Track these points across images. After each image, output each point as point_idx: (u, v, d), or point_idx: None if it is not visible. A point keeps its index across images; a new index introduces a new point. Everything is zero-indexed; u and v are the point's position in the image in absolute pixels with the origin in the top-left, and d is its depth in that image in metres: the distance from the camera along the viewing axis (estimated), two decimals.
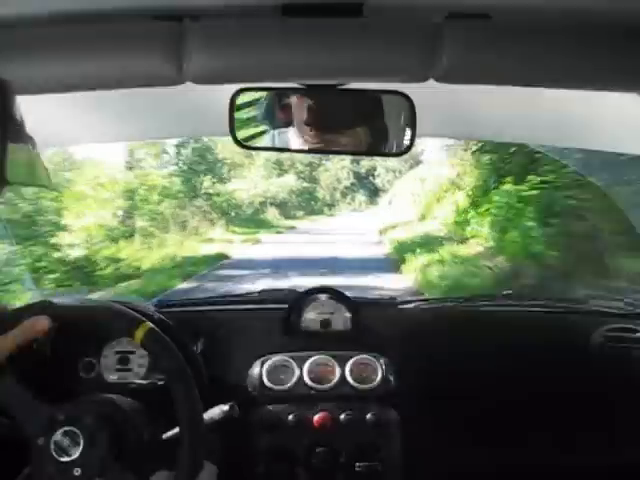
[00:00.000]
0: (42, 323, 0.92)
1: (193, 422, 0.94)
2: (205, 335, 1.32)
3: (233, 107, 0.85)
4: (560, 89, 0.78)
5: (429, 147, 24.10)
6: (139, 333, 0.96)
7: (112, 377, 1.29)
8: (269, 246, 14.47)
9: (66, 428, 0.93)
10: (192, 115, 1.26)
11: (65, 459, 0.91)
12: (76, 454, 0.92)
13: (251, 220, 22.33)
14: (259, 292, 1.61)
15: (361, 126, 0.85)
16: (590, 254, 6.62)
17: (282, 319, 1.40)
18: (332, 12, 0.70)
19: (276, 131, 0.89)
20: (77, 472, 0.92)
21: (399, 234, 14.69)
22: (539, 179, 7.81)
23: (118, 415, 0.99)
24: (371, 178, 38.21)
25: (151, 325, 0.97)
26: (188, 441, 0.93)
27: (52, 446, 0.92)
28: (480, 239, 9.87)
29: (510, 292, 1.68)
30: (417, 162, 27.69)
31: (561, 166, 6.34)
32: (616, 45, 0.71)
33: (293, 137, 0.87)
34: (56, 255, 9.14)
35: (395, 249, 12.49)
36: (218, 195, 20.84)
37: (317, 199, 34.38)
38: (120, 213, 12.70)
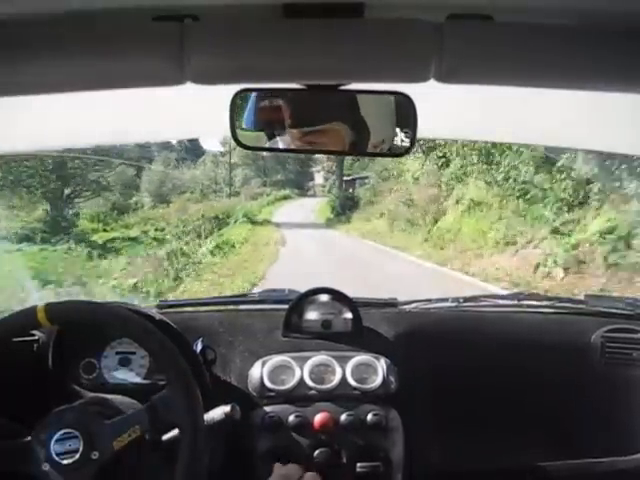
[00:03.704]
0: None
1: (193, 423, 0.94)
2: (206, 335, 1.32)
3: (234, 107, 0.85)
4: (560, 89, 0.78)
5: None
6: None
7: (113, 377, 1.29)
8: None
9: (66, 430, 0.93)
10: (193, 116, 1.26)
11: (65, 461, 0.91)
12: (76, 455, 0.91)
13: None
14: (260, 292, 1.62)
15: (361, 126, 0.85)
16: None
17: (283, 319, 1.40)
18: (333, 12, 0.70)
19: (276, 132, 0.89)
20: (77, 473, 0.92)
21: None
22: None
23: (118, 415, 0.99)
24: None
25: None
26: (188, 442, 0.93)
27: (52, 447, 0.92)
28: None
29: (511, 293, 1.68)
30: None
31: None
32: (616, 45, 0.71)
33: (293, 138, 0.87)
34: None
35: None
36: None
37: None
38: None
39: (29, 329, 1.14)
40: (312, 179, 31.76)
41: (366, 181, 21.27)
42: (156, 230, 16.26)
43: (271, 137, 0.88)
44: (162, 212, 19.20)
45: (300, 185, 31.77)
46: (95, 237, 15.95)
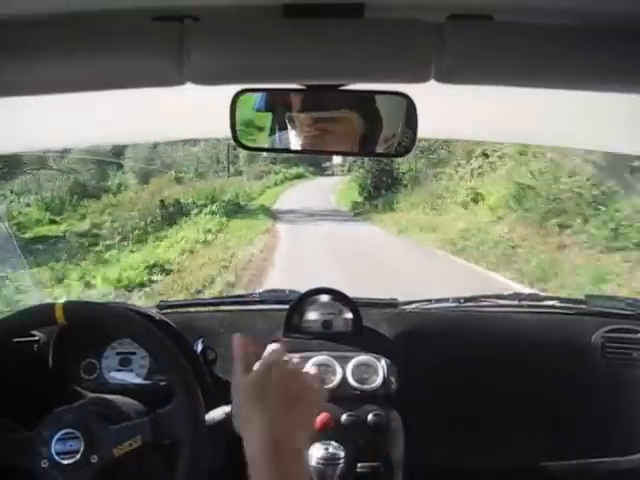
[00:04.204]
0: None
1: (194, 424, 0.94)
2: (206, 336, 1.32)
3: (234, 108, 0.85)
4: (560, 89, 0.78)
5: None
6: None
7: (113, 378, 1.29)
8: None
9: (67, 430, 0.93)
10: (193, 116, 1.26)
11: (65, 460, 0.91)
12: (77, 456, 0.91)
13: None
14: (260, 293, 1.62)
15: (375, 117, 0.85)
16: None
17: (283, 320, 1.40)
18: (333, 12, 0.70)
19: (276, 132, 0.89)
20: (76, 474, 0.92)
21: None
22: None
23: (119, 416, 0.99)
24: None
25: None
26: (189, 443, 0.93)
27: (53, 446, 0.92)
28: None
29: (511, 293, 1.68)
30: None
31: None
32: (616, 45, 0.71)
33: (292, 138, 0.87)
34: None
35: None
36: None
37: None
38: None
39: (45, 325, 1.14)
40: (330, 158, 25.26)
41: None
42: (112, 222, 12.32)
43: (280, 122, 0.87)
44: (132, 196, 15.20)
45: (316, 163, 27.15)
46: (29, 233, 12.46)
